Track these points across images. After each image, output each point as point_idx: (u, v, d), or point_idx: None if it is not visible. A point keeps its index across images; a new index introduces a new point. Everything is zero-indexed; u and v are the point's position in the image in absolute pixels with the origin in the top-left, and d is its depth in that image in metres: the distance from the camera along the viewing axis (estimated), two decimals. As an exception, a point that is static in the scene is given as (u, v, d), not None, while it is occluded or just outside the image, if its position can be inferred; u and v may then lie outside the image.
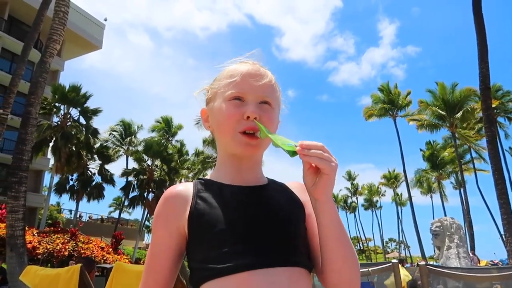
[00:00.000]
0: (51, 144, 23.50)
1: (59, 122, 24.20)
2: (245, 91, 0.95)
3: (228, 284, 0.81)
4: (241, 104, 0.94)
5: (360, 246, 77.95)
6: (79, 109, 24.74)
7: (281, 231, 0.89)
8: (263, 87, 0.96)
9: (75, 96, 23.78)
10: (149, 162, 29.87)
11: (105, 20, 32.51)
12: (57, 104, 23.83)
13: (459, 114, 28.27)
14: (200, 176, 1.08)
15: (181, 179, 35.96)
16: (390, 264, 2.45)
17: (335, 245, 0.85)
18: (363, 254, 73.79)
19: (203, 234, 0.87)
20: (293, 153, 0.82)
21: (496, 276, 2.26)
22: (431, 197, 53.49)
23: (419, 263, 2.56)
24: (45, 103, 21.90)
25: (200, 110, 1.08)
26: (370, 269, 2.43)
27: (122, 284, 3.11)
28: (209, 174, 1.03)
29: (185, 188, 0.96)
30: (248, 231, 0.86)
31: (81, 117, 25.15)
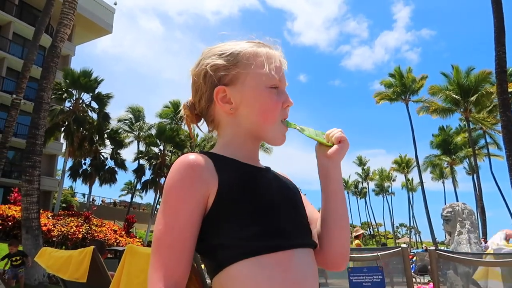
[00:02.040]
0: (63, 128, 23.80)
1: (71, 107, 24.45)
2: (281, 79, 0.98)
3: (269, 262, 0.81)
4: (278, 93, 0.97)
5: (370, 231, 78.11)
6: (91, 94, 24.95)
7: (300, 212, 0.96)
8: (284, 75, 1.01)
9: (87, 82, 23.96)
10: (161, 147, 30.12)
11: (115, 4, 32.43)
12: (69, 89, 24.04)
13: (473, 98, 27.74)
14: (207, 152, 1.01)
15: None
16: (399, 248, 2.44)
17: (340, 200, 0.97)
18: (374, 239, 73.97)
19: (234, 209, 0.83)
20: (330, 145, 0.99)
21: (507, 262, 2.23)
22: (443, 182, 53.16)
23: (428, 249, 2.55)
24: (57, 87, 22.08)
25: (216, 88, 0.97)
26: (379, 253, 2.43)
27: (134, 266, 3.15)
28: (217, 150, 0.98)
29: (202, 158, 0.87)
30: (278, 211, 0.89)
31: (93, 101, 25.41)
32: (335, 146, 0.96)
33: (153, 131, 31.41)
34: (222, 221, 0.83)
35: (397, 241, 70.37)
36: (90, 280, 3.34)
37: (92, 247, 3.35)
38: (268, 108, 0.95)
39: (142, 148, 31.89)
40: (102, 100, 25.25)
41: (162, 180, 29.62)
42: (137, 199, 45.68)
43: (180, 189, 0.82)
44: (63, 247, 16.52)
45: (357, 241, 9.35)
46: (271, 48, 0.99)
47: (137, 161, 30.53)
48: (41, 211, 17.48)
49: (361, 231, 9.72)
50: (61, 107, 23.95)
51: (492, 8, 11.90)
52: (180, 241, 0.81)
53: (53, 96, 20.22)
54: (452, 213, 6.56)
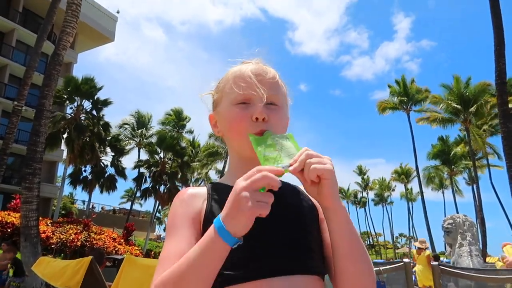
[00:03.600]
0: (65, 135, 23.80)
1: (72, 114, 24.48)
2: (250, 93, 0.94)
3: None
4: (247, 107, 0.93)
5: (370, 241, 77.72)
6: (91, 100, 24.98)
7: (299, 236, 0.88)
8: (268, 86, 0.95)
9: (88, 89, 24.01)
10: (161, 155, 30.11)
11: (118, 12, 32.69)
12: (71, 96, 24.07)
13: (473, 108, 27.79)
14: (212, 180, 1.06)
15: (193, 172, 36.25)
16: (402, 263, 2.42)
17: (347, 250, 0.82)
18: (373, 249, 73.61)
19: None
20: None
21: (509, 278, 2.21)
22: (443, 192, 52.92)
23: (432, 264, 2.52)
24: (58, 95, 22.13)
25: (208, 115, 1.07)
26: (381, 268, 2.40)
27: (132, 276, 3.14)
28: (221, 178, 1.04)
29: (198, 190, 0.96)
30: (265, 236, 0.84)
31: (93, 109, 25.42)
32: (322, 190, 0.77)
33: (154, 139, 31.46)
34: None
35: (396, 251, 69.94)
36: (86, 290, 3.32)
37: (90, 257, 3.34)
38: (232, 123, 0.95)
39: (143, 155, 31.93)
40: (100, 105, 25.21)
41: (162, 188, 29.55)
42: (136, 207, 45.58)
43: (173, 219, 0.90)
44: (62, 254, 16.44)
45: (428, 252, 8.99)
46: (246, 63, 1.00)
47: (137, 168, 30.51)
48: (40, 218, 17.41)
49: (426, 244, 9.14)
50: (62, 114, 23.95)
51: (492, 21, 11.97)
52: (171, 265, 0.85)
53: (55, 101, 20.28)
54: (453, 225, 6.53)
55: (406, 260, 2.44)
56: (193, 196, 0.93)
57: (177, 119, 37.43)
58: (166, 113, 37.88)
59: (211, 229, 0.75)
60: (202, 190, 0.96)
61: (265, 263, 0.80)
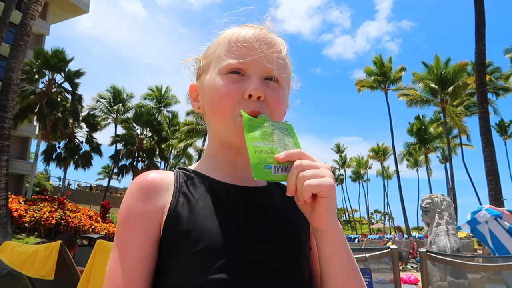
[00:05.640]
0: (36, 110, 22.87)
1: (44, 89, 23.47)
2: (247, 62, 0.73)
3: None
4: (240, 79, 0.73)
5: (346, 217, 79.81)
6: (63, 74, 23.91)
7: (287, 251, 0.70)
8: (271, 58, 0.74)
9: (57, 62, 22.88)
10: (138, 131, 29.53)
11: (92, -18, 31.12)
12: (41, 69, 22.98)
13: (450, 89, 28.25)
14: (183, 165, 0.80)
15: (171, 149, 35.88)
16: (389, 250, 2.33)
17: (340, 282, 0.66)
18: (349, 225, 75.70)
19: (182, 247, 0.65)
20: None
21: (505, 265, 2.15)
22: (417, 170, 54.52)
23: (419, 250, 2.46)
24: (28, 68, 21.07)
25: (189, 85, 0.85)
26: (367, 254, 2.31)
27: (105, 262, 2.96)
28: (194, 165, 0.81)
29: (162, 176, 0.73)
30: (245, 250, 0.66)
31: (66, 83, 24.40)
32: (317, 208, 0.61)
33: (130, 115, 30.86)
34: (167, 262, 0.66)
35: (371, 226, 72.12)
36: (57, 277, 3.12)
37: (59, 241, 3.12)
38: (215, 98, 0.73)
39: (120, 131, 31.33)
40: (74, 78, 24.13)
41: (139, 164, 29.12)
42: (114, 183, 45.04)
43: (128, 217, 0.67)
44: (36, 233, 16.04)
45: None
46: (247, 26, 0.78)
47: (114, 144, 29.90)
48: (12, 196, 16.85)
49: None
50: (33, 88, 22.90)
51: (474, 2, 11.92)
52: (131, 280, 0.64)
53: (24, 76, 19.38)
54: (431, 204, 6.58)
55: (393, 246, 2.36)
56: (156, 185, 0.70)
57: (160, 96, 36.88)
58: (149, 88, 37.26)
59: None
60: (167, 177, 0.73)
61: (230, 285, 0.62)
